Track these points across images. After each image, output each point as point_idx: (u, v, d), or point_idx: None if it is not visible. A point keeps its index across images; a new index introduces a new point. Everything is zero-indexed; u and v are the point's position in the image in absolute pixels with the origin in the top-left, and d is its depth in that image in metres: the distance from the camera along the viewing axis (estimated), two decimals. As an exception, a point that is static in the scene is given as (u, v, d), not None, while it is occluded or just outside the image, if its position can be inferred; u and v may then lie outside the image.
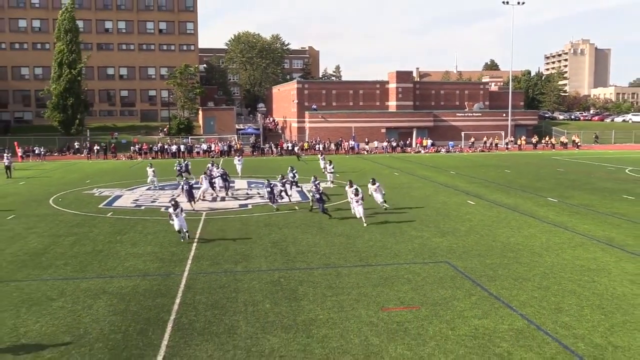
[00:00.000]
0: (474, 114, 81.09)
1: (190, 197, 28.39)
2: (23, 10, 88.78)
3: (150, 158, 62.67)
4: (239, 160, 43.08)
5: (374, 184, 27.25)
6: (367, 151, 68.68)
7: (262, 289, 15.86)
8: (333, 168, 38.66)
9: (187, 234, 21.72)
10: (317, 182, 27.32)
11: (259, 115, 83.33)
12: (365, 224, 23.92)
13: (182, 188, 29.29)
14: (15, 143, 64.78)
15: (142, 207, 29.51)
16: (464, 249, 20.17)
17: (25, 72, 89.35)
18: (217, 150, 65.54)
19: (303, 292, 15.59)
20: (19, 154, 63.06)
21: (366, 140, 70.89)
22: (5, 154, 49.82)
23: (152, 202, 31.25)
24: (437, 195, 32.83)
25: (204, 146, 67.94)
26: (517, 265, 17.97)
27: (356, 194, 24.54)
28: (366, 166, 51.59)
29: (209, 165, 36.64)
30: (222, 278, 16.98)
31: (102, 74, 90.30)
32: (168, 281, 16.78)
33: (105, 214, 27.71)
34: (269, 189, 27.56)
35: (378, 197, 26.93)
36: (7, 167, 45.31)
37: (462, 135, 75.84)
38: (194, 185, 32.09)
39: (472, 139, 74.65)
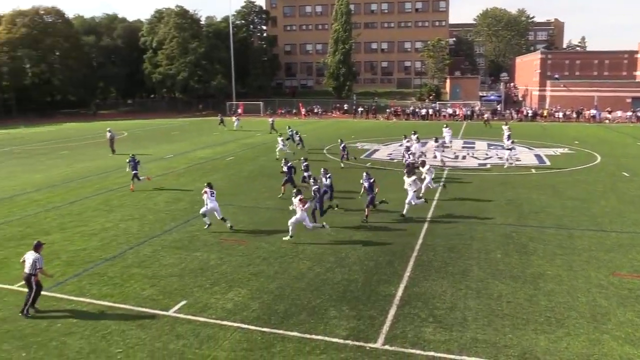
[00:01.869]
0: None
1: (288, 180, 21.82)
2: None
3: (400, 120, 63.68)
4: (448, 131, 37.01)
5: (423, 165, 21.78)
6: (609, 120, 60.44)
7: (494, 240, 15.32)
8: (513, 144, 29.43)
9: (227, 222, 16.58)
10: (368, 173, 18.68)
11: (502, 83, 78.56)
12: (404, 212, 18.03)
13: (286, 169, 22.14)
14: (300, 104, 71.20)
15: (395, 160, 30.26)
16: None
17: (310, 48, 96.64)
18: (461, 115, 63.84)
19: (533, 247, 14.66)
20: (303, 112, 69.13)
21: (608, 110, 62.33)
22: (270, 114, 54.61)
23: (404, 156, 31.69)
24: (685, 168, 27.67)
25: (449, 110, 66.68)
26: None
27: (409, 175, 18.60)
28: (607, 135, 45.55)
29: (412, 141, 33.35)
30: (459, 226, 16.79)
31: (367, 48, 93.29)
32: (413, 223, 17.15)
33: (365, 163, 29.07)
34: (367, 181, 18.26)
35: (427, 180, 20.97)
36: (272, 125, 48.12)
37: None
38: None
39: None
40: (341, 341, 9.63)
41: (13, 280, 12.70)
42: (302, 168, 21.67)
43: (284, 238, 15.49)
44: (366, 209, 17.47)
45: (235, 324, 10.32)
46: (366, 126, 54.78)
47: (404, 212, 17.90)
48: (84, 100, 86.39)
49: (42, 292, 11.95)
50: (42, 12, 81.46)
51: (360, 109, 68.56)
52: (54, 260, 14.19)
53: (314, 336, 9.82)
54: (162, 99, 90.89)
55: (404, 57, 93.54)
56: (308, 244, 15.10)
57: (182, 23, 78.59)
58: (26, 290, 11.08)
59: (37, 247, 11.15)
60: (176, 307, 11.11)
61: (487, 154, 33.13)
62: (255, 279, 12.62)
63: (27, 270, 10.89)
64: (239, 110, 72.14)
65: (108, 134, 36.15)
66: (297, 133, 35.93)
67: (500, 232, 16.16)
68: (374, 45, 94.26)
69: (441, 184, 21.73)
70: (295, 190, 16.25)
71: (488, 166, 28.42)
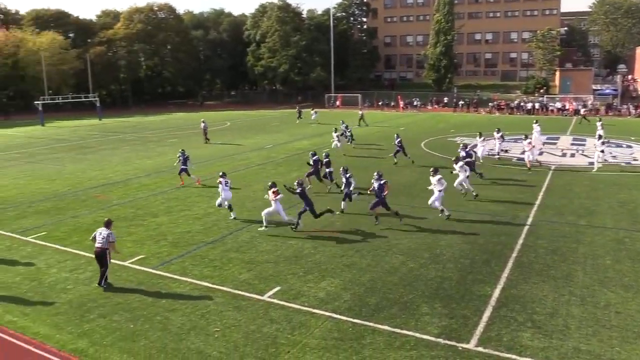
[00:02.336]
0: None
1: (313, 173, 21.85)
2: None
3: (498, 114, 60.94)
4: (537, 128, 33.20)
5: (456, 162, 19.73)
6: None
7: (604, 245, 14.27)
8: (603, 144, 25.61)
9: (231, 211, 17.37)
10: (379, 173, 16.88)
11: (619, 76, 72.60)
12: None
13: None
14: (399, 97, 70.37)
15: (496, 157, 29.06)
16: None
17: (410, 40, 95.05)
18: (571, 110, 59.85)
19: (649, 255, 13.48)
20: (401, 105, 68.32)
21: None
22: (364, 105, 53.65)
23: (505, 152, 30.32)
24: None
25: (558, 105, 62.74)
26: None
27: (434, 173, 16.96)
28: None
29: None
30: (565, 228, 15.82)
31: (470, 39, 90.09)
32: (513, 223, 16.42)
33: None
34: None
35: (460, 179, 19.54)
36: (361, 117, 47.87)
37: None
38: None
39: None
40: (432, 339, 9.47)
41: (125, 257, 13.79)
42: (324, 164, 21.71)
43: (259, 229, 15.74)
44: (372, 210, 16.45)
45: (327, 313, 10.49)
46: (467, 120, 53.09)
47: (445, 212, 16.92)
48: (192, 91, 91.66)
49: (150, 270, 12.91)
50: (156, 8, 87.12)
51: (461, 102, 66.55)
52: (161, 241, 15.21)
53: (404, 331, 9.74)
54: (263, 90, 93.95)
55: (510, 48, 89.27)
56: (402, 239, 14.97)
57: (284, 16, 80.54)
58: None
59: (108, 224, 12.13)
60: (270, 293, 11.49)
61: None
62: (347, 270, 12.73)
63: (99, 245, 11.80)
64: (337, 103, 72.79)
65: (202, 125, 38.35)
66: (347, 127, 34.94)
67: (610, 236, 15.02)
68: (478, 36, 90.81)
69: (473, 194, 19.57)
70: (270, 183, 16.01)
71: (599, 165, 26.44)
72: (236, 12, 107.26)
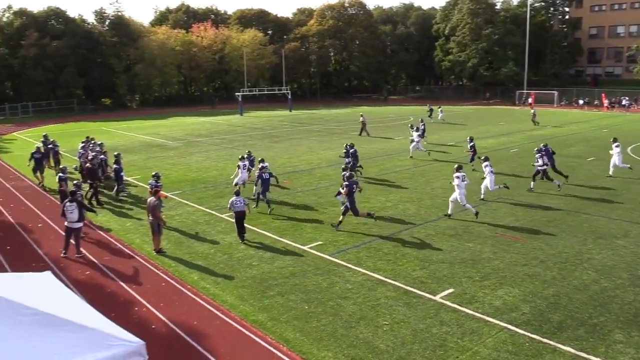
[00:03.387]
0: None
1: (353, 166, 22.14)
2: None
3: None
4: None
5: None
6: None
7: None
8: None
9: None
10: (348, 177, 16.12)
11: None
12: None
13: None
14: (603, 94, 63.41)
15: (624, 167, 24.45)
16: None
17: (621, 31, 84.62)
18: None
19: None
20: (605, 104, 61.49)
21: None
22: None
23: (630, 167, 25.28)
24: None
25: None
26: None
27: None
28: None
29: None
30: None
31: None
32: None
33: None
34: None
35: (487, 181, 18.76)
36: (533, 116, 44.27)
37: None
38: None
39: None
40: (626, 370, 8.42)
41: (305, 241, 14.66)
42: (344, 153, 23.56)
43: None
44: (342, 216, 15.98)
45: (502, 324, 9.94)
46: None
47: (449, 211, 16.90)
48: (377, 85, 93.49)
49: (327, 257, 13.55)
50: (347, 5, 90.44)
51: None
52: (340, 235, 15.82)
53: (591, 357, 8.80)
54: (449, 86, 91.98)
55: None
56: (595, 254, 13.50)
57: (476, 9, 77.70)
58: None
59: (238, 193, 15.37)
60: (443, 294, 11.26)
61: None
62: (529, 280, 11.89)
63: (241, 209, 14.74)
64: (530, 100, 68.07)
65: (361, 118, 39.23)
66: (422, 120, 34.28)
67: None
68: None
69: (501, 185, 18.85)
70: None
71: None
72: (425, 6, 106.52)
